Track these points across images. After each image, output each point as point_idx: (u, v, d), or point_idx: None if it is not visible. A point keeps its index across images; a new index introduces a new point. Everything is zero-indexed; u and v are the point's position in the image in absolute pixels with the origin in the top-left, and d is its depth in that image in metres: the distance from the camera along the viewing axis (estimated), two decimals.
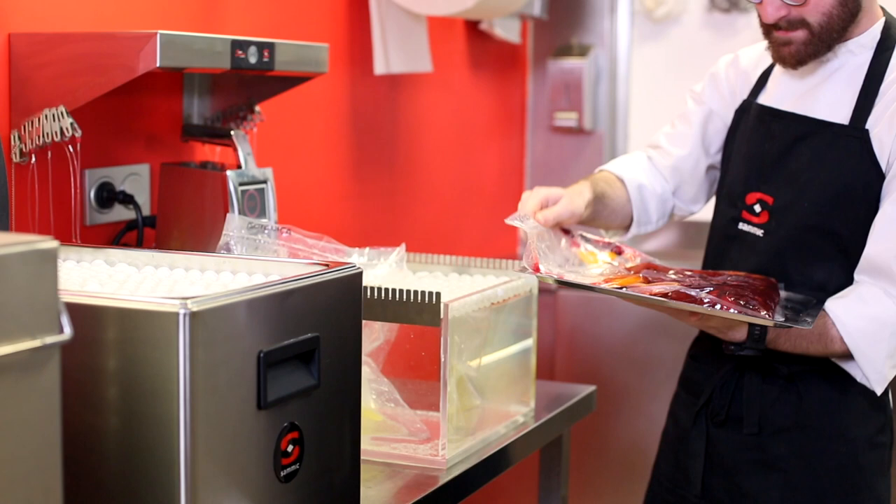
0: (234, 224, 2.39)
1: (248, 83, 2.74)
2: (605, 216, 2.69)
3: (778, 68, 2.57)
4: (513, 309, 2.60)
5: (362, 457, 2.08)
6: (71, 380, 1.62)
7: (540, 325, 2.80)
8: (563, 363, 4.25)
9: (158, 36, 2.21)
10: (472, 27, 4.11)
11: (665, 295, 2.27)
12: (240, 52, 2.39)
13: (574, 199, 2.53)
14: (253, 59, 2.43)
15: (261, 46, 2.45)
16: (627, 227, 2.79)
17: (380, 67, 3.44)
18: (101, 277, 2.04)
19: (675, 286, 2.29)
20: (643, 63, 4.59)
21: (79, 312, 1.64)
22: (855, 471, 2.50)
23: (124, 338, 1.70)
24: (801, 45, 2.44)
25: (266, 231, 2.42)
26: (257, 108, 2.76)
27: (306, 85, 2.79)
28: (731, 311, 2.24)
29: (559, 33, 4.58)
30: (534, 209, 2.47)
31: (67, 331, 1.50)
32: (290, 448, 1.86)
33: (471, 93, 4.19)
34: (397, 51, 3.48)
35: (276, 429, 1.83)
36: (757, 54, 2.64)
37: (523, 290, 2.60)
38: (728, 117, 2.69)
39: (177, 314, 1.65)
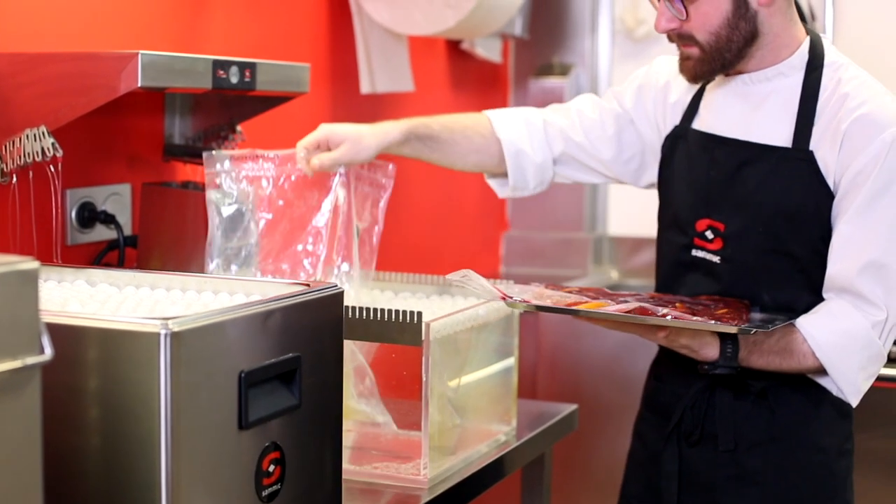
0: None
1: (229, 103, 2.74)
2: (447, 155, 2.71)
3: (708, 93, 2.58)
4: (494, 328, 2.61)
5: (343, 476, 2.08)
6: (52, 400, 1.62)
7: (522, 344, 2.80)
8: (546, 382, 4.25)
9: (140, 56, 2.21)
10: (454, 47, 4.12)
11: (628, 312, 2.28)
12: (221, 72, 2.40)
13: (362, 142, 2.54)
14: (234, 79, 2.43)
15: (242, 66, 2.45)
16: (490, 175, 2.81)
17: (365, 87, 3.45)
18: (82, 297, 2.04)
19: (638, 304, 2.30)
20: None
21: (60, 333, 1.64)
22: (829, 478, 2.51)
23: (105, 358, 1.70)
24: (696, 62, 2.45)
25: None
26: (239, 127, 2.76)
27: (288, 105, 2.79)
28: (694, 320, 2.25)
29: (540, 53, 4.59)
30: (305, 152, 2.51)
31: (48, 351, 1.50)
32: (271, 468, 1.86)
33: (452, 112, 4.19)
34: (381, 71, 3.50)
35: (257, 449, 1.83)
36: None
37: (505, 309, 2.60)
38: (645, 133, 2.69)
39: (158, 334, 1.66)
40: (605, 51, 4.59)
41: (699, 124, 2.58)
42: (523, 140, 2.73)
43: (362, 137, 2.56)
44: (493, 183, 2.83)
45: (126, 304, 2.01)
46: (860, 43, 4.20)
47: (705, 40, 2.42)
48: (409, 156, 2.69)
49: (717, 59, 2.44)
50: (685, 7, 2.39)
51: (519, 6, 3.71)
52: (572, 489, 4.14)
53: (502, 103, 4.60)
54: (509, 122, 2.76)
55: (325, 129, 2.56)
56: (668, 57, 2.71)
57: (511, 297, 2.34)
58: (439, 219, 4.12)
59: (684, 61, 2.48)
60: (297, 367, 1.89)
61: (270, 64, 2.53)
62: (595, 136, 2.72)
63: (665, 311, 2.27)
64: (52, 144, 2.27)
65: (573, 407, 2.99)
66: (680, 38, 2.45)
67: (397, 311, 2.32)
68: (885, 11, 4.26)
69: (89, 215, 2.59)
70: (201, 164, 2.69)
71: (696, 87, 2.60)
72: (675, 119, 2.63)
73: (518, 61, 4.61)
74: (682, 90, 2.64)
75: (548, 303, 2.36)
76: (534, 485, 2.94)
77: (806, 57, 2.47)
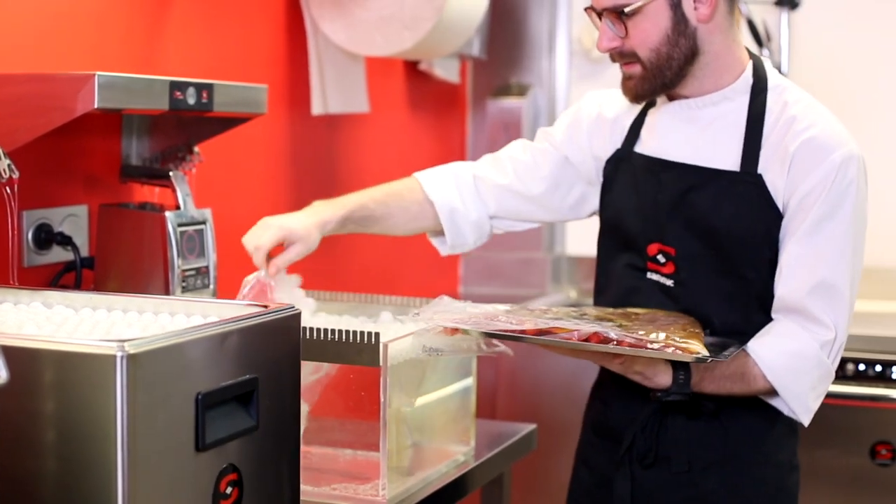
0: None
1: (186, 124, 2.74)
2: (387, 228, 2.78)
3: (650, 117, 2.60)
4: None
5: (302, 498, 2.08)
6: (7, 423, 1.61)
7: (480, 364, 2.80)
8: (504, 402, 4.25)
9: (97, 77, 2.21)
10: (412, 67, 4.13)
11: (586, 339, 2.26)
12: (178, 93, 2.39)
13: (310, 237, 2.58)
14: (191, 101, 2.43)
15: (199, 87, 2.45)
16: (432, 234, 2.85)
17: (317, 108, 3.45)
18: (38, 320, 2.03)
19: (595, 328, 2.28)
20: None
21: (15, 355, 1.63)
22: (782, 493, 2.54)
23: (61, 381, 1.69)
24: (637, 81, 2.47)
25: None
26: (196, 148, 2.76)
27: (245, 126, 2.79)
28: (650, 347, 2.24)
29: (498, 73, 4.61)
30: (264, 257, 2.53)
31: (4, 374, 1.49)
32: (228, 490, 1.85)
33: (410, 132, 4.20)
34: (335, 91, 3.50)
35: (214, 470, 1.82)
36: (625, 104, 2.63)
37: (469, 340, 2.60)
38: (581, 165, 2.70)
39: (114, 357, 1.65)
40: (563, 71, 4.61)
41: (642, 148, 2.59)
42: (455, 199, 2.76)
43: (310, 233, 2.59)
44: (434, 241, 2.87)
45: (82, 327, 2.01)
46: (815, 62, 4.24)
47: (646, 57, 2.44)
48: (351, 232, 2.73)
49: (657, 76, 2.45)
50: (624, 24, 2.41)
51: (477, 27, 3.73)
52: None
53: (460, 124, 4.61)
54: (439, 182, 2.78)
55: (278, 229, 2.56)
56: (597, 91, 2.73)
57: (463, 328, 2.33)
58: (397, 239, 4.12)
59: (626, 81, 2.50)
60: (254, 388, 1.89)
61: (228, 85, 2.53)
62: (528, 178, 2.75)
63: (616, 337, 2.25)
64: (9, 166, 2.26)
65: (532, 427, 3.00)
66: (622, 56, 2.47)
67: (355, 332, 2.32)
68: (840, 31, 4.29)
69: (46, 237, 2.58)
70: (158, 184, 2.69)
71: (635, 112, 2.62)
72: (616, 144, 2.64)
73: (476, 82, 4.62)
74: (620, 115, 2.65)
75: (498, 327, 2.34)
76: None
77: (750, 81, 2.49)
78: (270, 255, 2.55)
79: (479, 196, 2.78)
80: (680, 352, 2.23)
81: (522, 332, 2.29)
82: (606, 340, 2.24)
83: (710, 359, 2.24)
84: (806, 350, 2.40)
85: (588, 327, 2.27)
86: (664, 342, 2.23)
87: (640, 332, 2.26)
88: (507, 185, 2.75)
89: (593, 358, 2.40)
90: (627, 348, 2.24)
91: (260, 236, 2.53)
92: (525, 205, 2.77)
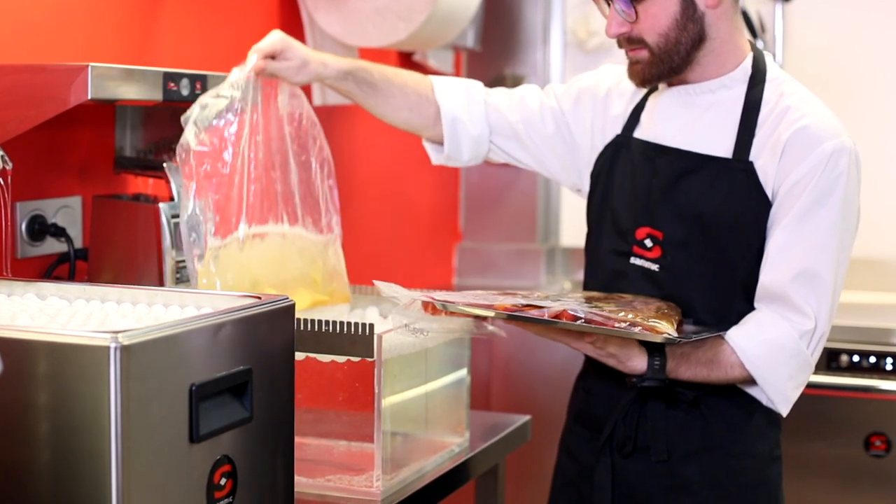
0: None
1: (180, 115, 2.73)
2: (379, 105, 2.75)
3: (650, 103, 2.61)
4: (447, 340, 2.61)
5: (296, 489, 2.08)
6: (1, 414, 1.61)
7: (475, 355, 2.80)
8: (499, 393, 4.26)
9: (90, 68, 2.20)
10: (406, 58, 4.12)
11: (558, 315, 2.26)
12: (172, 84, 2.39)
13: (305, 67, 2.58)
14: (185, 91, 2.43)
15: (193, 78, 2.45)
16: (426, 139, 2.85)
17: (317, 99, 3.45)
18: (32, 311, 2.03)
19: (563, 306, 2.27)
20: None
21: (9, 347, 1.63)
22: (763, 485, 2.54)
23: (55, 372, 1.69)
24: (645, 66, 2.49)
25: None
26: None
27: None
28: (618, 327, 2.24)
29: (492, 64, 4.60)
30: (258, 56, 2.54)
31: None
32: (222, 481, 1.85)
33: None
34: None
35: (208, 462, 1.82)
36: (630, 90, 2.65)
37: (456, 321, 2.60)
38: (579, 138, 2.72)
39: (108, 348, 1.65)
40: (557, 62, 4.61)
41: (641, 133, 2.60)
42: (462, 110, 2.76)
43: (307, 63, 2.59)
44: (428, 147, 2.87)
45: (76, 318, 2.01)
46: (809, 54, 4.23)
47: (654, 42, 2.45)
48: (343, 94, 2.71)
49: (665, 61, 2.47)
50: (634, 8, 2.42)
51: (471, 18, 3.72)
52: (526, 500, 4.14)
53: None
54: (451, 90, 2.78)
55: (283, 43, 2.57)
56: (613, 66, 2.73)
57: (437, 300, 2.33)
58: (392, 230, 4.12)
59: (633, 66, 2.52)
60: (248, 379, 1.89)
61: (221, 76, 2.53)
62: (533, 129, 2.76)
63: (584, 315, 2.25)
64: (2, 157, 2.26)
65: (526, 418, 3.00)
66: (629, 41, 2.48)
67: (349, 324, 2.32)
68: (834, 22, 4.29)
69: (39, 228, 2.58)
70: (152, 176, 2.68)
71: (638, 97, 2.63)
72: (616, 129, 2.65)
73: (470, 73, 4.61)
74: (624, 101, 2.66)
75: (465, 302, 2.33)
76: (487, 496, 2.95)
77: (749, 71, 2.51)
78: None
79: (486, 117, 2.78)
80: (646, 331, 2.23)
81: (490, 306, 2.30)
82: (575, 318, 2.24)
83: (676, 338, 2.25)
84: (784, 339, 2.41)
85: (557, 305, 2.27)
86: (631, 321, 2.23)
87: (608, 311, 2.26)
88: (513, 123, 2.77)
89: (564, 338, 2.40)
90: (593, 326, 2.24)
91: (264, 41, 2.57)
92: (521, 151, 2.79)
